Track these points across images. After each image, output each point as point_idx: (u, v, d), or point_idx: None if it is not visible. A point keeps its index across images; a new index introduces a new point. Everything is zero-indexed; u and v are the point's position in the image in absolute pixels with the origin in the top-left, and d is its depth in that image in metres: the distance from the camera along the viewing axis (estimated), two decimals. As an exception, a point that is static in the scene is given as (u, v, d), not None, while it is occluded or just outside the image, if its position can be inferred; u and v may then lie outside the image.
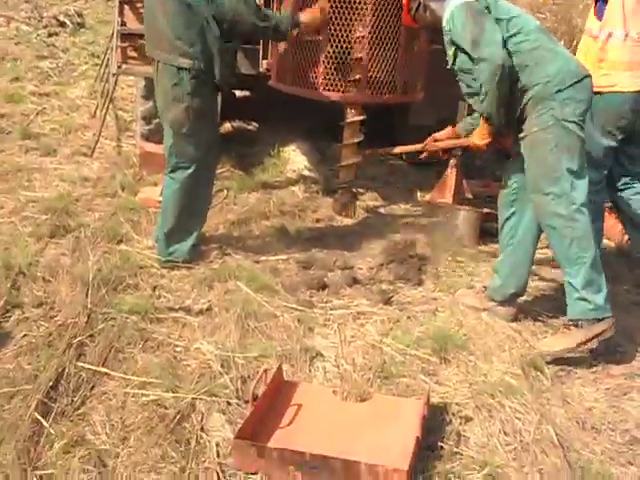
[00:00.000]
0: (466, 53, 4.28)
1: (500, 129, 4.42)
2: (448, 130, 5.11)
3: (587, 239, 4.26)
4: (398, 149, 5.67)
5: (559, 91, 4.22)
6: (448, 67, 4.49)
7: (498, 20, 4.25)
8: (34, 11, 11.36)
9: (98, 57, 9.70)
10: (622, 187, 5.26)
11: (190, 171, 4.93)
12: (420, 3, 4.77)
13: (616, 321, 4.29)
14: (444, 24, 4.38)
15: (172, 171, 4.98)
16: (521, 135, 4.37)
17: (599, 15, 4.95)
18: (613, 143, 5.03)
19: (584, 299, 4.25)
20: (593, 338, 4.24)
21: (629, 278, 5.39)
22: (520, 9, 4.56)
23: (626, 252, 5.69)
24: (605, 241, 5.98)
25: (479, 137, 4.52)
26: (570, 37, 11.35)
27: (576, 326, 4.33)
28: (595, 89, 4.43)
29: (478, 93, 4.30)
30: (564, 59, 4.31)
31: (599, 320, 4.24)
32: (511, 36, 4.25)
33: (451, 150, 5.20)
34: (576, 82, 4.24)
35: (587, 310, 4.25)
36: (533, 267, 4.78)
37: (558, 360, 4.28)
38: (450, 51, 4.42)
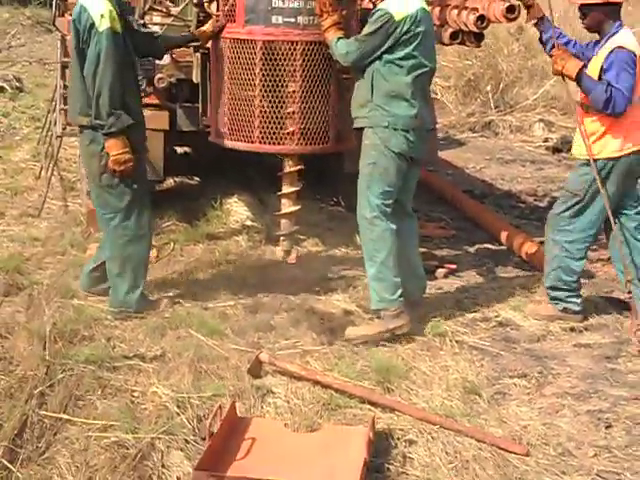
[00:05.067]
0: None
1: None
2: None
3: (382, 242, 5.00)
4: None
5: None
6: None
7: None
8: (-27, 78, 11.57)
9: (39, 120, 9.89)
10: None
11: (116, 222, 5.13)
12: None
13: (410, 319, 5.03)
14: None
15: (104, 226, 5.24)
16: None
17: None
18: None
19: (374, 290, 5.06)
20: (390, 330, 4.98)
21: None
22: None
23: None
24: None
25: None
26: (496, 82, 11.84)
27: (379, 317, 5.08)
28: None
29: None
30: None
31: (397, 316, 4.97)
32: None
33: None
34: None
35: (375, 301, 5.08)
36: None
37: (493, 384, 4.60)
38: None
